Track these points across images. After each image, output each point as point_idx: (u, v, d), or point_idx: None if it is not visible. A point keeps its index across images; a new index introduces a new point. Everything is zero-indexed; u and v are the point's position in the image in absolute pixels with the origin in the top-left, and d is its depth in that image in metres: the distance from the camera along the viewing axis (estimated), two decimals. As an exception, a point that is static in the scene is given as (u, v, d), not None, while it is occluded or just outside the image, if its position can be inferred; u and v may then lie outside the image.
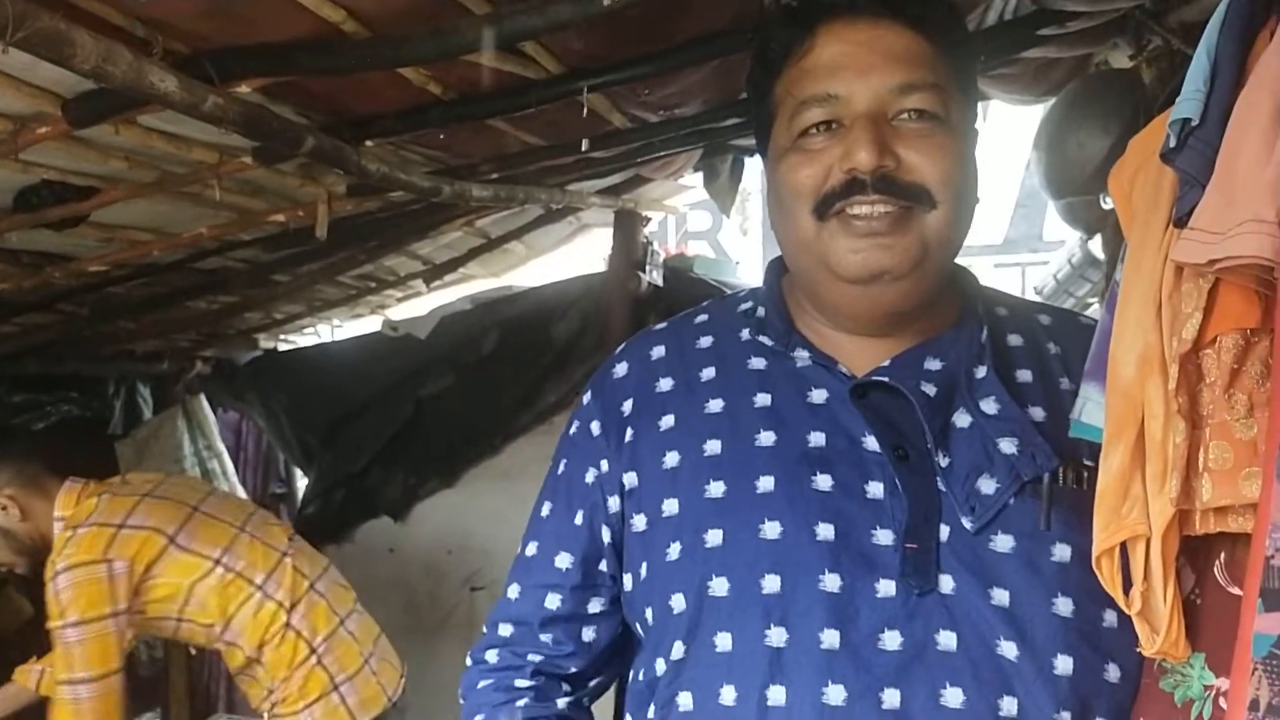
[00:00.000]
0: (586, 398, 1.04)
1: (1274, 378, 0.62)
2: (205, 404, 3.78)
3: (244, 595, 2.13)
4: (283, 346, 3.94)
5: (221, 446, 3.80)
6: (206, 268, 2.56)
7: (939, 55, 0.88)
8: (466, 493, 3.37)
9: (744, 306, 1.02)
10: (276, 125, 1.39)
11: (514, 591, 1.05)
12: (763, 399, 0.93)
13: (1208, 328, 0.71)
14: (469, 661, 1.07)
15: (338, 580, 2.34)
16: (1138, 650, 0.83)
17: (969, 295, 0.97)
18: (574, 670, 1.02)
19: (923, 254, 0.86)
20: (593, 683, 1.05)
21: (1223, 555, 0.76)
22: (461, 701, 1.05)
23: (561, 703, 1.02)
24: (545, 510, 1.04)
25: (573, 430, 1.04)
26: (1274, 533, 0.60)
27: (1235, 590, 0.74)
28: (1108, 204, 1.95)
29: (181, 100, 1.18)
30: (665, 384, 0.98)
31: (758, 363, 0.96)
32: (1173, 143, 0.72)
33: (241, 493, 3.85)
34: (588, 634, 1.01)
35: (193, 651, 3.58)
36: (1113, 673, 0.83)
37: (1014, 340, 0.96)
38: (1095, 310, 2.01)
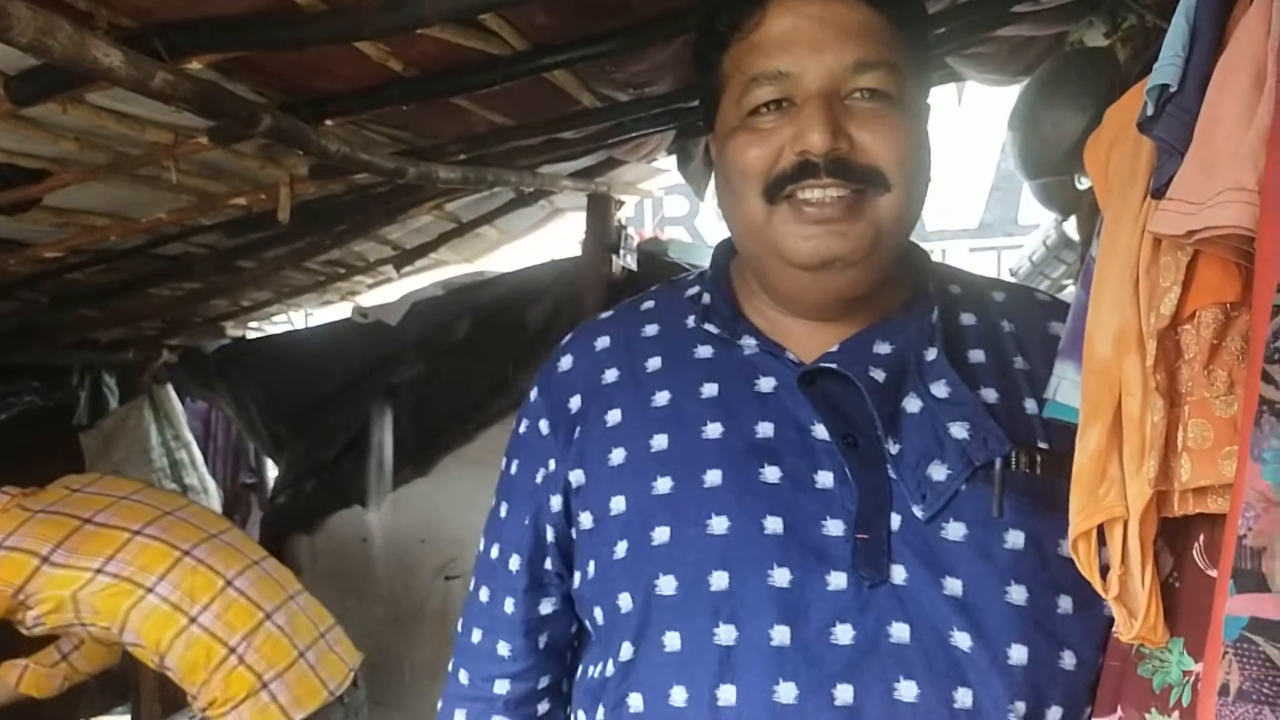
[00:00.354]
0: (534, 395, 1.02)
1: (1251, 353, 0.59)
2: (173, 393, 3.72)
3: (133, 598, 2.07)
4: (251, 334, 3.88)
5: (190, 436, 3.74)
6: (168, 253, 2.50)
7: (894, 31, 0.85)
8: (440, 481, 3.34)
9: (691, 291, 1.00)
10: (231, 103, 1.35)
11: (484, 595, 1.04)
12: (709, 389, 0.91)
13: (1186, 302, 0.69)
14: (444, 690, 1.07)
15: (269, 572, 2.26)
16: (1100, 635, 0.83)
17: (921, 274, 0.94)
18: (543, 684, 1.02)
19: (876, 239, 0.84)
20: (564, 686, 1.04)
21: (1202, 537, 0.74)
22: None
23: (542, 703, 1.03)
24: (502, 511, 1.03)
25: (522, 429, 1.02)
26: (1247, 512, 0.57)
27: (1214, 573, 0.72)
28: (1083, 184, 1.93)
29: (128, 76, 1.14)
30: (611, 375, 0.96)
31: (704, 351, 0.94)
32: (1150, 110, 0.69)
33: (211, 483, 3.80)
34: (542, 640, 1.01)
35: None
36: (1068, 660, 0.82)
37: (967, 319, 0.94)
38: (1070, 292, 2.01)
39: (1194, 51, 0.66)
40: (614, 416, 0.93)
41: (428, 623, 3.28)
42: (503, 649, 1.01)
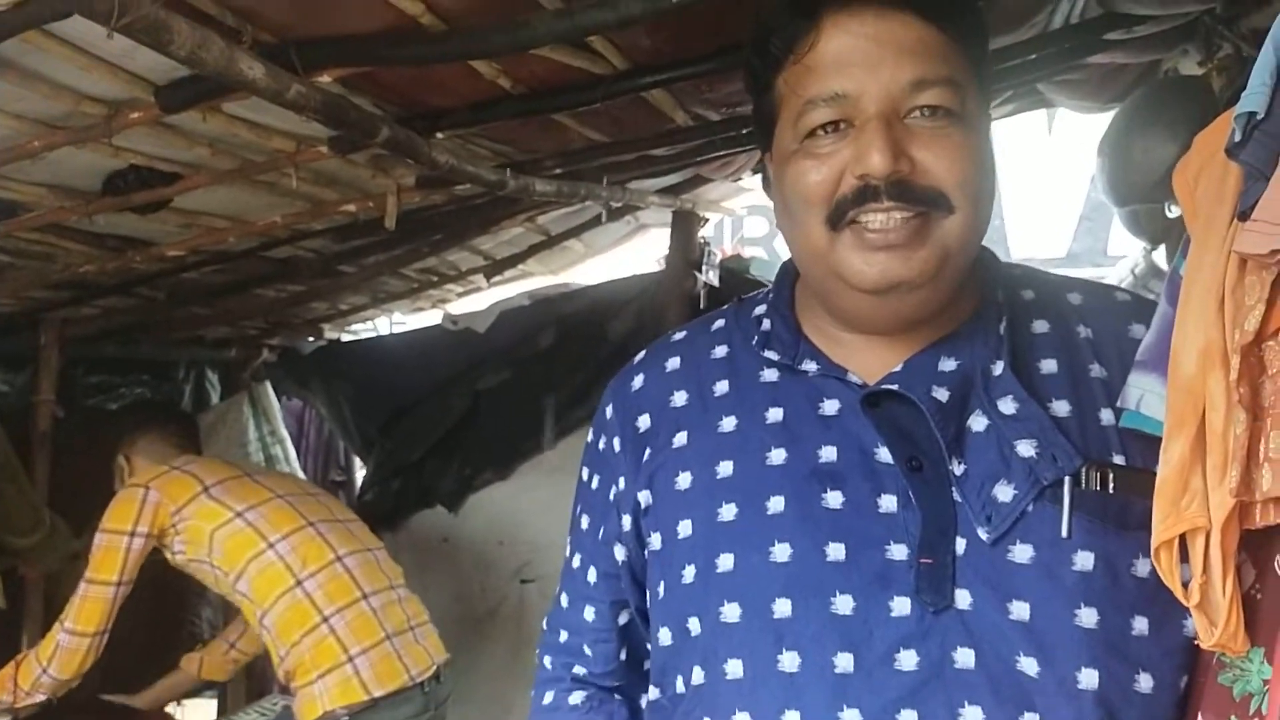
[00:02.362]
0: (608, 411, 1.02)
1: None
2: (270, 391, 3.87)
3: (254, 549, 2.24)
4: (346, 337, 4.03)
5: (285, 433, 3.89)
6: (278, 256, 2.64)
7: (952, 46, 0.83)
8: (518, 486, 3.42)
9: (758, 311, 0.99)
10: (354, 115, 1.44)
11: (564, 600, 1.07)
12: (774, 414, 0.90)
13: (1270, 319, 0.71)
14: (539, 649, 1.11)
15: (379, 562, 2.40)
16: (1180, 655, 0.81)
17: (990, 282, 0.92)
18: (619, 684, 1.05)
19: (942, 262, 0.82)
20: (639, 696, 1.06)
21: (1284, 550, 0.76)
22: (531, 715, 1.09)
23: (617, 700, 1.05)
24: (584, 523, 1.05)
25: (599, 444, 1.03)
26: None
27: (1295, 584, 0.74)
28: (1173, 212, 1.92)
29: (267, 88, 1.24)
30: (680, 399, 0.96)
31: (770, 375, 0.93)
32: (1238, 137, 0.72)
33: (303, 477, 3.95)
34: (622, 651, 1.04)
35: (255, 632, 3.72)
36: (1144, 682, 0.80)
37: (1040, 327, 0.91)
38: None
39: (1282, 80, 0.69)
40: (681, 439, 0.94)
41: (502, 623, 3.36)
42: (587, 649, 1.05)
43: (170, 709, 3.60)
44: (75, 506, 2.91)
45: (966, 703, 0.78)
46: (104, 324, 2.96)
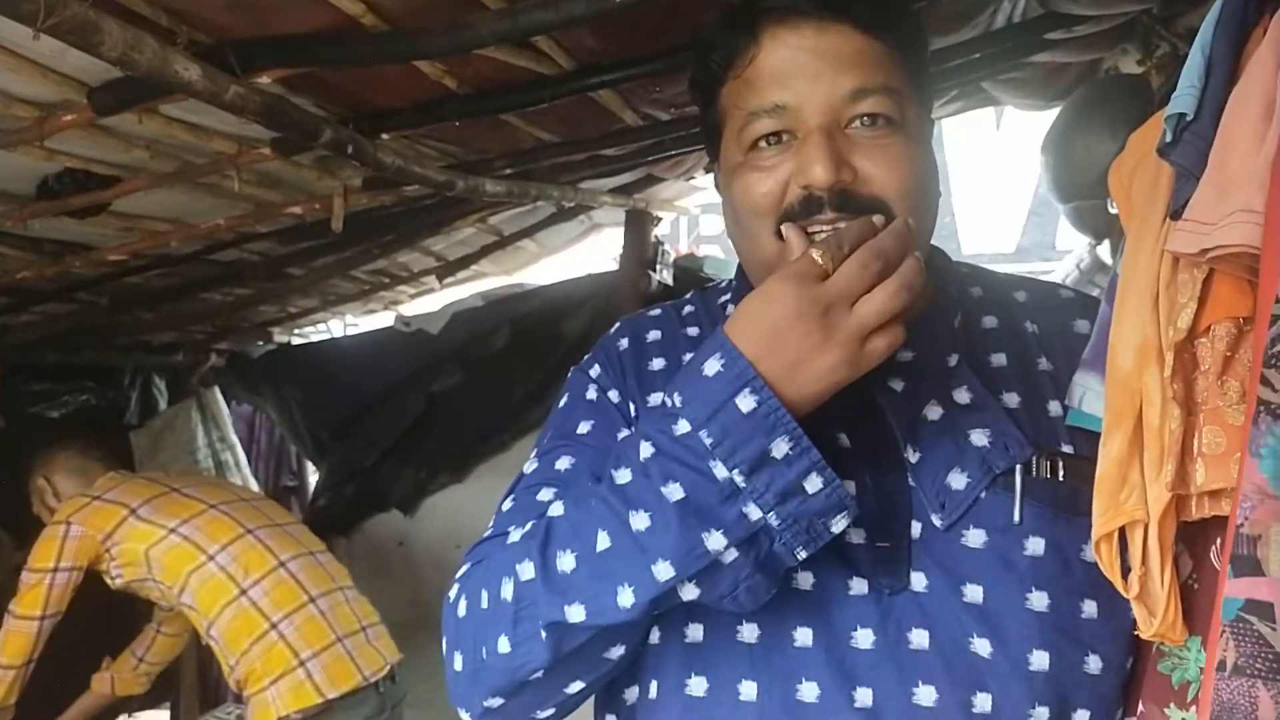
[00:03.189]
0: (595, 368, 0.99)
1: (1253, 357, 0.64)
2: (219, 396, 3.82)
3: (194, 562, 2.25)
4: (297, 340, 3.98)
5: (235, 438, 3.84)
6: (223, 259, 2.59)
7: (890, 56, 0.85)
8: (476, 488, 3.40)
9: (723, 299, 1.02)
10: (295, 116, 1.42)
11: (508, 504, 0.94)
12: None
13: (1202, 317, 0.73)
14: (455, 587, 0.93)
15: (323, 564, 2.39)
16: (1127, 637, 0.83)
17: (943, 277, 0.94)
18: None
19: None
20: None
21: (1218, 541, 0.77)
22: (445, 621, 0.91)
23: None
24: (562, 465, 0.92)
25: (590, 394, 0.97)
26: (1244, 503, 0.62)
27: (1228, 570, 0.75)
28: (1114, 208, 1.96)
29: (204, 89, 1.21)
30: (657, 364, 0.98)
31: None
32: (1169, 138, 0.73)
33: (254, 484, 3.89)
34: None
35: (204, 643, 3.66)
36: (1093, 664, 0.82)
37: (989, 322, 0.94)
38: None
39: (1209, 82, 0.71)
40: (655, 400, 0.94)
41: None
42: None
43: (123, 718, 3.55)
44: (18, 518, 2.84)
45: (921, 682, 0.80)
46: (45, 330, 2.88)
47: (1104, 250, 2.87)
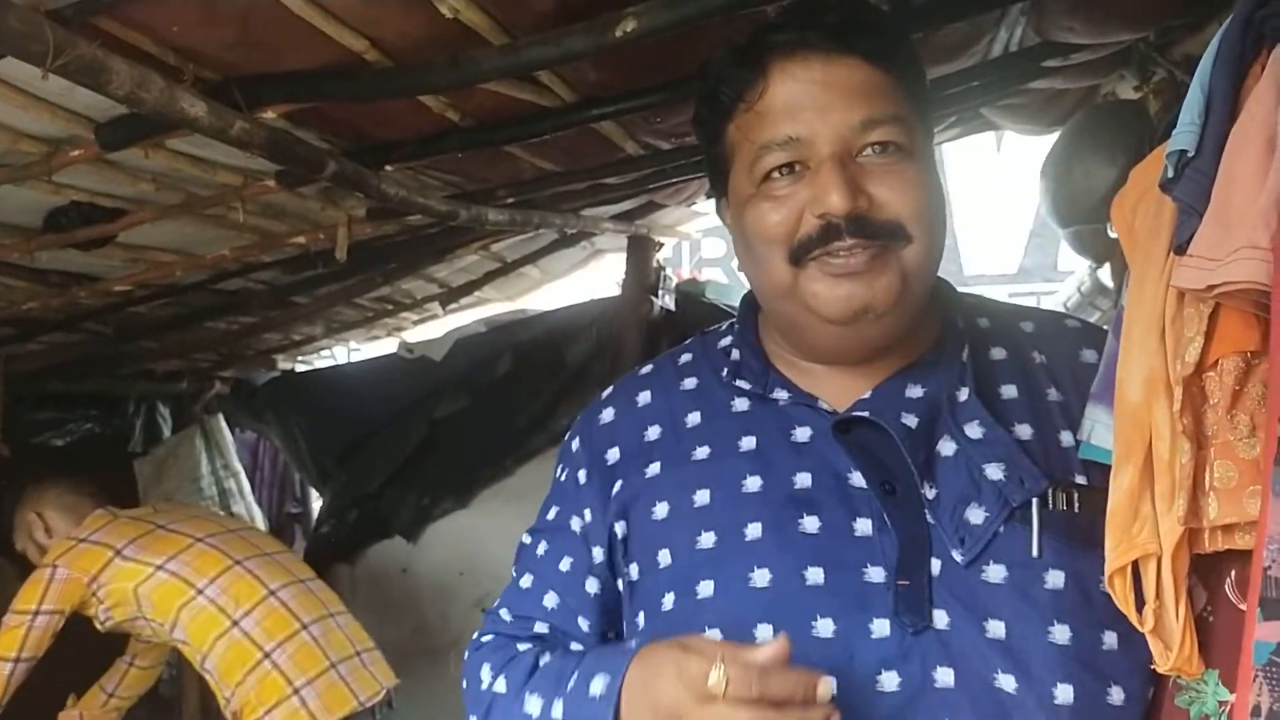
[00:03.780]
0: (575, 444, 1.04)
1: (1271, 398, 0.64)
2: (223, 424, 3.82)
3: (185, 597, 2.25)
4: (300, 368, 3.99)
5: (238, 466, 3.84)
6: (228, 289, 2.60)
7: (896, 85, 0.87)
8: (479, 514, 3.39)
9: (724, 343, 1.02)
10: (300, 150, 1.43)
11: (505, 615, 1.05)
12: (748, 443, 0.92)
13: (1209, 351, 0.73)
14: (465, 655, 1.07)
15: (314, 591, 2.40)
16: (1148, 668, 0.82)
17: (949, 310, 0.95)
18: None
19: (903, 289, 0.85)
20: None
21: (1233, 573, 0.77)
22: (464, 678, 1.05)
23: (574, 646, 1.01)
24: (540, 549, 1.04)
25: (562, 477, 1.04)
26: (1271, 545, 0.61)
27: (1245, 607, 0.75)
28: (1114, 233, 1.96)
29: (210, 125, 1.22)
30: (653, 432, 0.98)
31: (740, 404, 0.95)
32: (1170, 173, 0.74)
33: (258, 511, 3.89)
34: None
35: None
36: (1116, 695, 0.82)
37: (997, 354, 0.94)
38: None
39: (1210, 118, 0.71)
40: (654, 470, 0.95)
41: (462, 654, 3.32)
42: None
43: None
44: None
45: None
46: (49, 359, 2.89)
47: (1105, 273, 2.87)
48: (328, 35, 1.21)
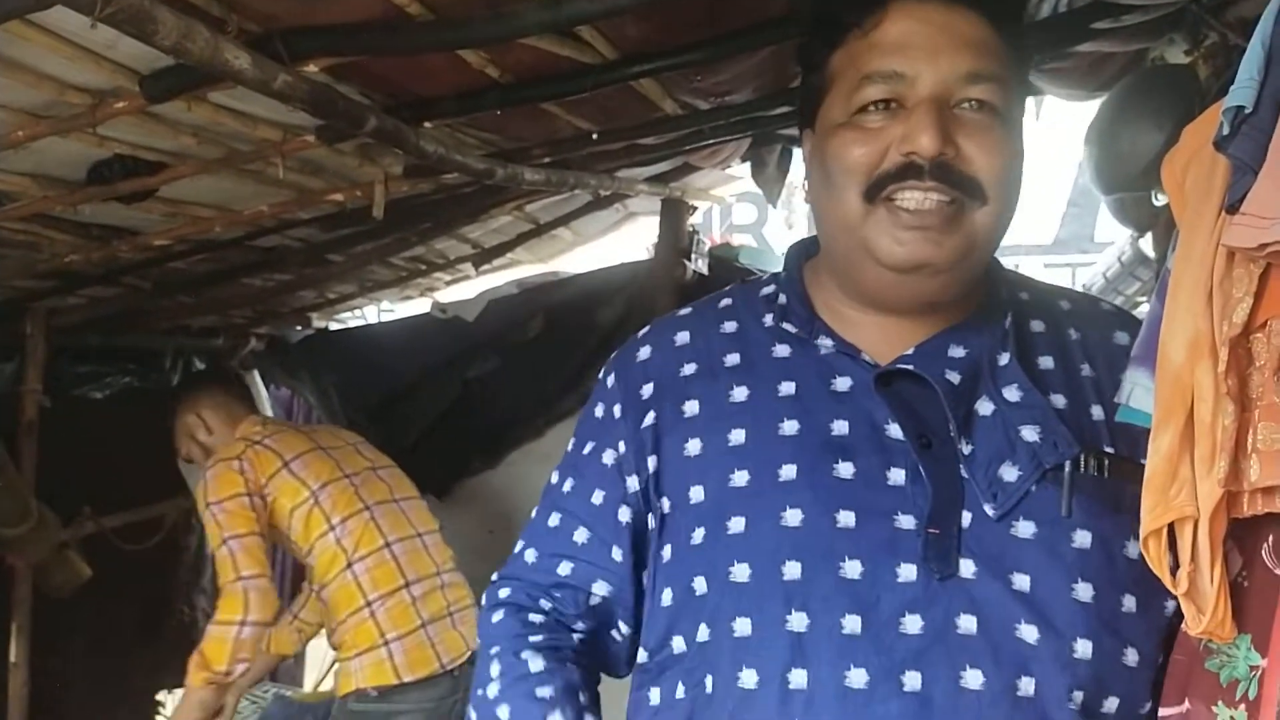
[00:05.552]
0: (610, 380, 1.04)
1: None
2: (258, 379, 3.86)
3: (320, 530, 2.35)
4: (334, 326, 4.02)
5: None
6: (264, 245, 2.63)
7: (1004, 47, 0.88)
8: (509, 473, 3.43)
9: (766, 291, 1.02)
10: (342, 105, 1.44)
11: (530, 556, 1.05)
12: (786, 387, 0.93)
13: (1258, 312, 0.73)
14: (483, 601, 1.09)
15: (427, 548, 2.48)
16: (1162, 633, 0.85)
17: (994, 279, 0.97)
18: (580, 626, 1.03)
19: (968, 250, 0.86)
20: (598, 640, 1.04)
21: (1270, 538, 0.77)
22: (479, 638, 1.07)
23: (576, 637, 1.02)
24: (568, 486, 1.04)
25: (597, 412, 1.04)
26: (1313, 505, 0.61)
27: (1280, 571, 0.75)
28: (1160, 200, 1.93)
29: (254, 78, 1.23)
30: (689, 369, 0.98)
31: (782, 350, 0.96)
32: (1226, 130, 0.73)
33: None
34: (593, 600, 1.01)
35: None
36: (1130, 657, 0.84)
37: (1036, 326, 0.96)
38: (1144, 309, 2.00)
39: (1269, 75, 0.70)
40: (691, 408, 0.96)
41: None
42: (551, 597, 1.02)
43: (160, 696, 3.62)
44: (63, 496, 2.91)
45: (968, 665, 0.81)
46: (90, 313, 2.94)
47: (1146, 243, 2.83)
48: (371, -13, 1.22)
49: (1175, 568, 0.77)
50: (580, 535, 1.02)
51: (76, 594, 2.97)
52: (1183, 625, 0.80)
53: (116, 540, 3.18)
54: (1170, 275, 0.81)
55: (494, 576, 1.09)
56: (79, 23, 1.03)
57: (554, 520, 1.04)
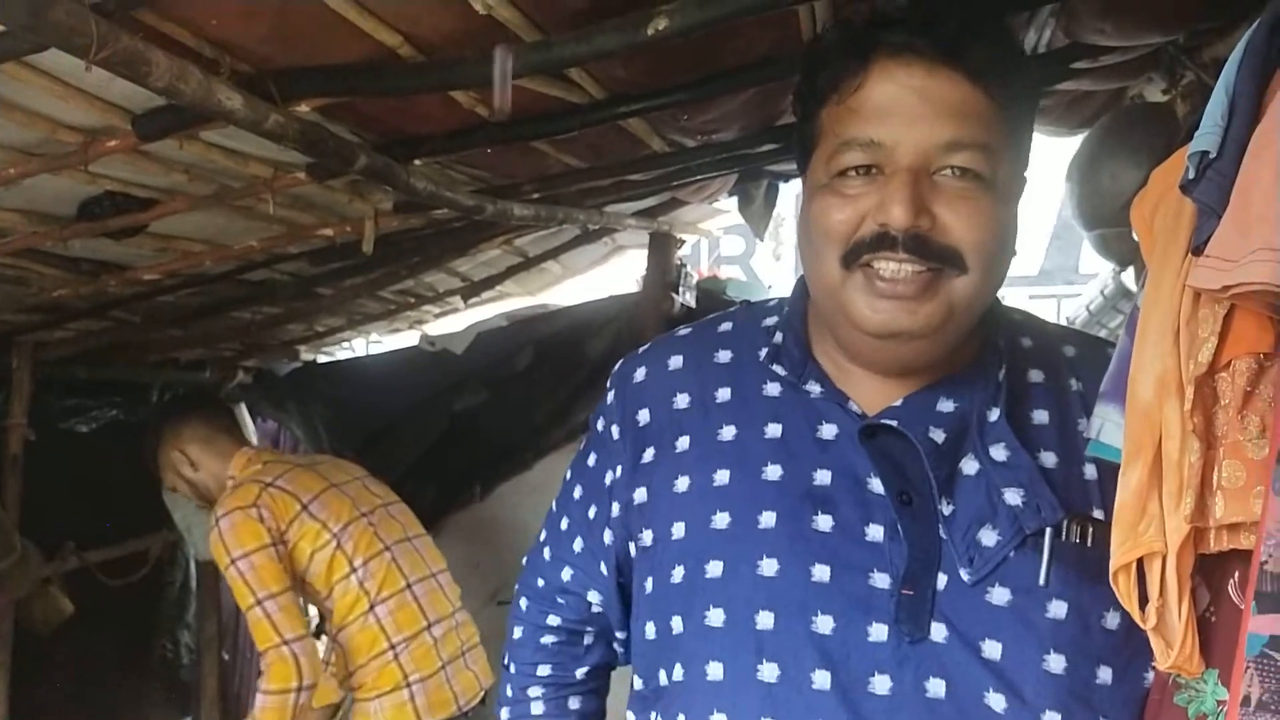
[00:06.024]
0: (610, 397, 1.07)
1: (1275, 398, 0.65)
2: (245, 412, 3.85)
3: (342, 572, 2.30)
4: (322, 358, 4.02)
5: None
6: (254, 279, 2.63)
7: (995, 111, 0.84)
8: (497, 507, 3.42)
9: (768, 322, 1.02)
10: (333, 143, 1.45)
11: (547, 554, 1.14)
12: (773, 430, 0.93)
13: (1223, 352, 0.74)
14: (511, 608, 1.20)
15: (442, 586, 2.47)
16: (1138, 703, 0.85)
17: (992, 327, 0.95)
18: (589, 629, 1.14)
19: (946, 318, 0.85)
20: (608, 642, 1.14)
21: (1237, 574, 0.78)
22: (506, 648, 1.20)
23: (584, 647, 1.14)
24: (576, 492, 1.11)
25: (599, 425, 1.08)
26: (1269, 540, 0.63)
27: (1246, 606, 0.76)
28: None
29: (246, 118, 1.25)
30: (682, 400, 0.99)
31: (772, 389, 0.96)
32: (1191, 174, 0.75)
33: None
34: (593, 608, 1.11)
35: (224, 657, 3.68)
36: None
37: (1035, 376, 0.94)
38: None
39: (1233, 121, 0.72)
40: (682, 444, 0.97)
41: (478, 647, 3.35)
42: (559, 599, 1.13)
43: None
44: (47, 531, 2.89)
45: None
46: (77, 347, 2.93)
47: (1128, 277, 2.87)
48: (362, 30, 1.24)
49: (1145, 603, 0.79)
50: (577, 544, 1.09)
51: (59, 629, 2.95)
52: (1151, 661, 0.81)
53: (100, 575, 3.15)
54: (1139, 314, 0.84)
55: (523, 561, 1.19)
56: (73, 64, 1.04)
57: (564, 523, 1.12)
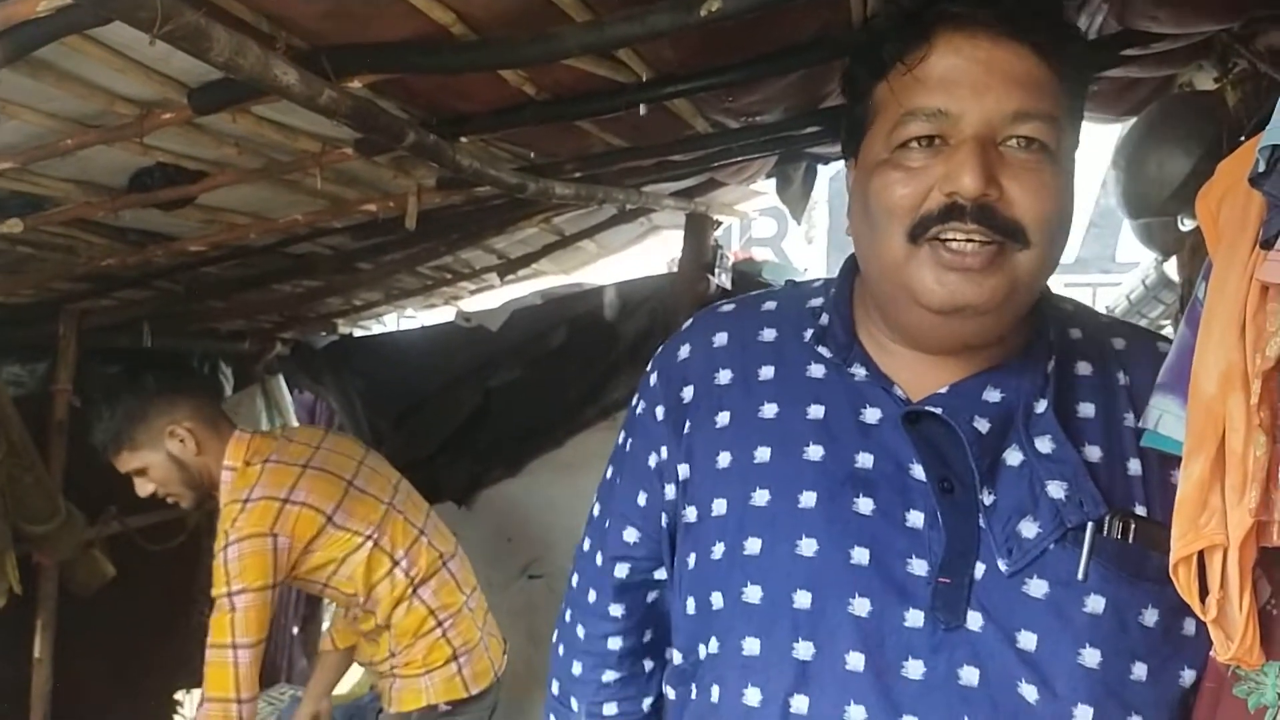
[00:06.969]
0: (653, 379, 1.06)
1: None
2: (283, 384, 3.90)
3: (384, 569, 2.28)
4: (359, 332, 4.06)
5: (297, 425, 3.92)
6: (296, 252, 2.66)
7: (1058, 83, 0.84)
8: (529, 482, 3.45)
9: (813, 303, 1.01)
10: (383, 120, 1.46)
11: (598, 559, 1.10)
12: (815, 411, 0.92)
13: (1291, 346, 0.74)
14: (555, 632, 1.16)
15: (464, 559, 2.50)
16: (1174, 701, 0.85)
17: (1042, 318, 0.93)
18: (648, 639, 1.10)
19: (1009, 293, 0.84)
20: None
21: (1300, 568, 0.78)
22: (553, 676, 1.16)
23: (646, 672, 1.11)
24: (618, 481, 1.09)
25: (639, 409, 1.07)
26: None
27: (1309, 602, 0.76)
28: (1186, 225, 1.94)
29: (300, 93, 1.26)
30: (724, 376, 0.98)
31: (816, 370, 0.95)
32: (1262, 167, 0.74)
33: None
34: (651, 595, 1.09)
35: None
36: None
37: (1082, 368, 0.93)
38: (1169, 333, 2.01)
39: (1308, 114, 0.71)
40: (723, 419, 0.96)
41: (511, 619, 3.38)
42: (615, 610, 1.09)
43: (179, 696, 3.65)
44: (90, 495, 2.95)
45: (966, 717, 0.82)
46: (121, 315, 2.98)
47: (1170, 267, 2.83)
48: (416, 7, 1.24)
49: (1205, 594, 0.79)
50: (630, 535, 1.06)
51: (98, 592, 3.01)
52: (1211, 651, 0.81)
53: (140, 540, 3.22)
54: (1203, 306, 0.83)
55: (571, 581, 1.14)
56: (132, 36, 1.06)
57: (609, 521, 1.09)
